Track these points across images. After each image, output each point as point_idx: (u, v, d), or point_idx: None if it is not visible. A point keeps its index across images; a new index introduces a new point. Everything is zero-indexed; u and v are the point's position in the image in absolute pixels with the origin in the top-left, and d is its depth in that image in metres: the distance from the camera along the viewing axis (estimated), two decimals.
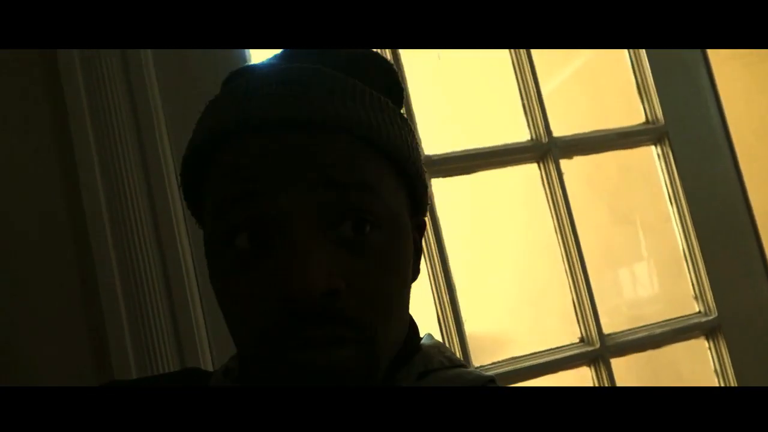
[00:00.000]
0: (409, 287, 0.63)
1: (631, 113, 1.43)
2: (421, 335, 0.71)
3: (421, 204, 0.65)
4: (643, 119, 1.38)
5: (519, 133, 1.31)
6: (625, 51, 1.39)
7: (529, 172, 1.31)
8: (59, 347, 0.98)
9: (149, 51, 1.07)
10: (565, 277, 1.27)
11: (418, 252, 0.67)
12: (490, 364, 1.19)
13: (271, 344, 0.54)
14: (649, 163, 1.45)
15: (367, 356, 0.55)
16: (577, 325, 1.28)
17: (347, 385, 0.53)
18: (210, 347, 1.02)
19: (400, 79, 0.68)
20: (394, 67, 0.68)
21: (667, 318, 1.33)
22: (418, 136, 1.21)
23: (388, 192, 0.58)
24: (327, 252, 0.53)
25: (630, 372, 1.31)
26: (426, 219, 0.69)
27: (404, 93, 0.70)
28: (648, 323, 1.33)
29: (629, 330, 1.29)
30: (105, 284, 0.99)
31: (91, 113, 1.02)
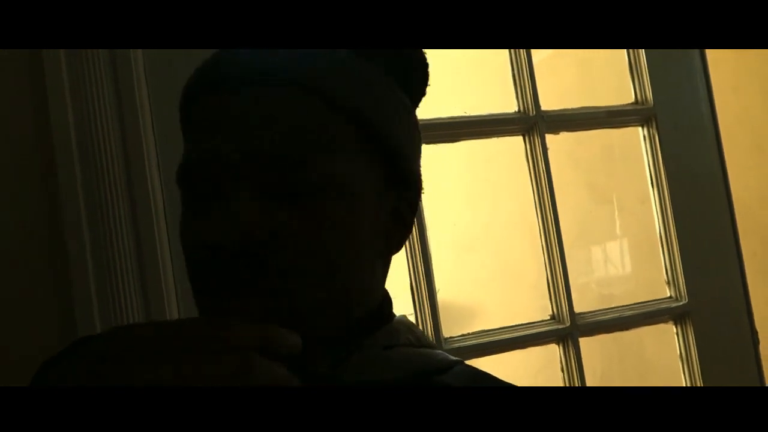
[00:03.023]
0: (369, 257, 0.62)
1: (618, 90, 1.41)
2: (397, 314, 0.70)
3: (403, 178, 0.65)
4: (631, 98, 1.36)
5: (505, 103, 1.28)
6: None
7: (513, 144, 1.29)
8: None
9: (139, 51, 1.02)
10: (540, 253, 1.26)
11: (402, 226, 0.66)
12: (460, 336, 1.19)
13: (199, 290, 0.58)
14: (632, 143, 1.44)
15: (281, 308, 0.56)
16: (546, 301, 1.27)
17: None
18: (178, 306, 1.00)
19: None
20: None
21: (637, 300, 1.33)
22: None
23: (334, 157, 0.58)
24: (252, 205, 0.56)
25: (594, 352, 1.32)
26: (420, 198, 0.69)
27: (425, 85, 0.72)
28: (618, 305, 1.33)
29: (600, 310, 1.29)
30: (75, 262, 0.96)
31: (74, 110, 0.98)
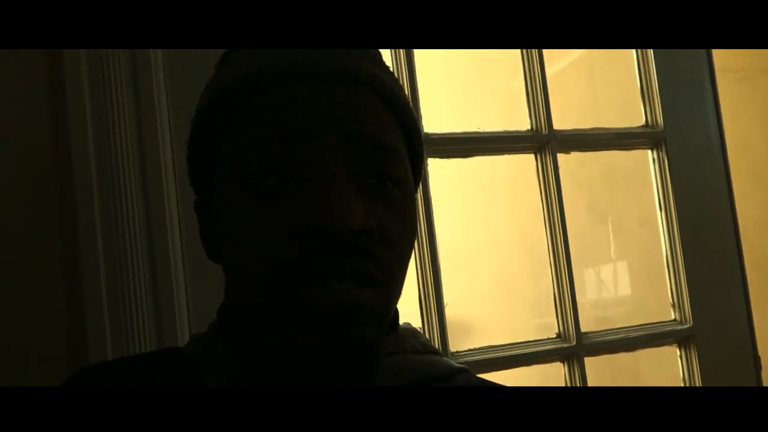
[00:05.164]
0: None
1: (626, 111, 1.42)
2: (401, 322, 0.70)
3: (417, 181, 0.67)
4: (638, 120, 1.37)
5: (516, 120, 1.29)
6: (632, 51, 1.38)
7: (524, 162, 1.30)
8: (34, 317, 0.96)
9: (159, 51, 1.02)
10: (539, 271, 1.26)
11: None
12: (465, 351, 1.18)
13: (292, 275, 0.54)
14: (635, 166, 1.45)
15: (383, 301, 0.56)
16: (544, 319, 1.27)
17: (358, 330, 0.54)
18: (189, 325, 0.99)
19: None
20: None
21: (635, 323, 1.33)
22: (420, 113, 1.18)
23: (404, 157, 0.61)
24: (357, 192, 0.55)
25: (590, 374, 1.31)
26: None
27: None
28: (619, 326, 1.33)
29: (605, 330, 1.29)
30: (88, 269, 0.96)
31: (93, 110, 0.97)
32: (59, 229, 0.97)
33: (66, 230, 0.96)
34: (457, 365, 0.67)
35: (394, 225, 0.57)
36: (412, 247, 0.61)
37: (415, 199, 0.62)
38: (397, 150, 0.59)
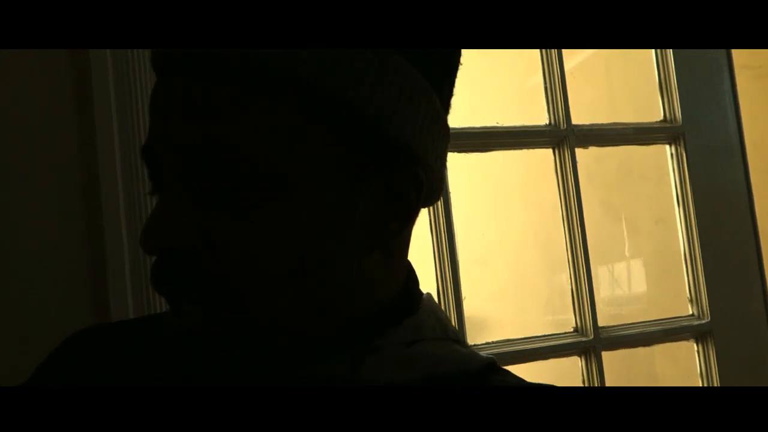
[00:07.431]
0: (349, 251, 0.55)
1: (643, 106, 1.42)
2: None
3: (392, 152, 0.54)
4: (656, 115, 1.37)
5: (534, 115, 1.29)
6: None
7: (541, 157, 1.30)
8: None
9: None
10: (553, 267, 1.27)
11: (404, 205, 0.56)
12: (483, 344, 1.19)
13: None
14: (651, 162, 1.44)
15: (214, 313, 0.52)
16: (557, 316, 1.28)
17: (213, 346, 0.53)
18: None
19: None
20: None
21: (652, 319, 1.33)
22: None
23: (277, 145, 0.50)
24: (185, 208, 0.51)
25: (607, 368, 1.31)
26: (421, 171, 0.56)
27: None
28: (637, 321, 1.33)
29: (623, 325, 1.29)
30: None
31: (118, 108, 0.99)
32: (87, 226, 0.99)
33: (92, 225, 0.98)
34: (484, 357, 0.62)
35: (239, 231, 0.51)
36: (292, 249, 0.52)
37: (307, 191, 0.52)
38: (235, 147, 0.50)
